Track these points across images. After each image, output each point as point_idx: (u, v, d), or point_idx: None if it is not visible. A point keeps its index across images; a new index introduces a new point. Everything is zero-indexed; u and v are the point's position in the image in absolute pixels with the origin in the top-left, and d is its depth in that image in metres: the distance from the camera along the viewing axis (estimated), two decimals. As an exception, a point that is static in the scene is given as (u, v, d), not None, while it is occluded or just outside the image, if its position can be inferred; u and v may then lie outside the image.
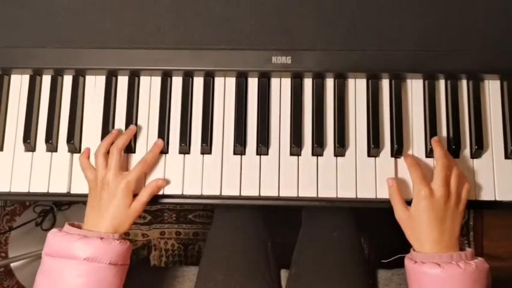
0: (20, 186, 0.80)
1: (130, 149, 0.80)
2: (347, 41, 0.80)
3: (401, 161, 0.79)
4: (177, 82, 0.83)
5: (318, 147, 0.79)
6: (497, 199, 0.78)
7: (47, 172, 0.80)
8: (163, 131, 0.80)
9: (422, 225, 0.71)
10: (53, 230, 0.72)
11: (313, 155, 0.80)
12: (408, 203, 0.74)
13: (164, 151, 0.80)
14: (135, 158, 0.80)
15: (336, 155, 0.79)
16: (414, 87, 0.82)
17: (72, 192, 0.80)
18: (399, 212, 0.73)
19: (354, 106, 0.81)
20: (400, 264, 0.75)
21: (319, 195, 0.78)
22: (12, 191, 0.80)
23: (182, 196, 0.80)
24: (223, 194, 0.79)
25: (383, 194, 0.77)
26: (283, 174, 0.79)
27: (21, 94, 0.83)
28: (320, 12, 0.81)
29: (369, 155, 0.79)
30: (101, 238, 0.70)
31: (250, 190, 0.79)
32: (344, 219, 0.97)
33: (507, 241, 1.52)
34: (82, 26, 0.82)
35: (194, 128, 0.81)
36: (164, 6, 0.82)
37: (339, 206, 0.83)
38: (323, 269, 0.89)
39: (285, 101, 0.82)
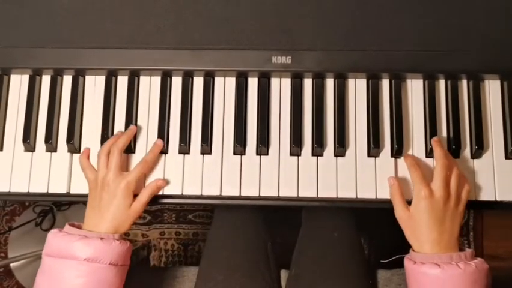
0: (19, 186, 0.80)
1: (129, 149, 0.80)
2: (347, 41, 0.80)
3: (401, 161, 0.79)
4: (177, 82, 0.83)
5: (318, 147, 0.79)
6: (498, 199, 0.78)
7: (47, 172, 0.80)
8: (162, 131, 0.80)
9: (421, 225, 0.71)
10: (53, 231, 0.72)
11: (313, 155, 0.80)
12: (408, 203, 0.74)
13: (164, 151, 0.80)
14: (135, 158, 0.80)
15: (336, 155, 0.79)
16: (415, 87, 0.82)
17: (71, 192, 0.80)
18: (400, 212, 0.73)
19: (354, 106, 0.81)
20: (400, 264, 0.75)
21: (319, 196, 0.78)
22: (11, 191, 0.80)
23: (182, 196, 0.80)
24: (223, 194, 0.79)
25: (383, 194, 0.77)
26: (283, 174, 0.79)
27: (21, 94, 0.83)
28: (320, 12, 0.81)
29: (369, 155, 0.79)
30: (102, 238, 0.70)
31: (250, 190, 0.78)
32: (344, 220, 0.97)
33: (507, 241, 1.52)
34: (81, 26, 0.82)
35: (194, 128, 0.81)
36: (164, 6, 0.82)
37: (339, 206, 0.83)
38: (323, 269, 0.89)
39: (285, 101, 0.82)
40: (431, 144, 0.77)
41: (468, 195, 0.74)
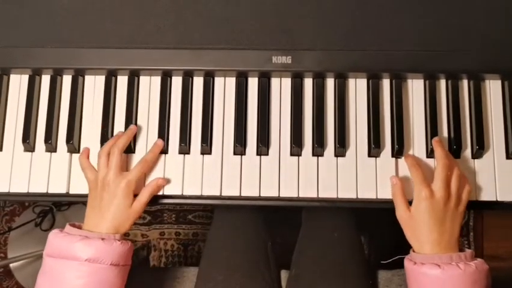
0: (19, 187, 0.80)
1: (129, 149, 0.80)
2: (347, 40, 0.80)
3: (402, 161, 0.78)
4: (177, 82, 0.82)
5: (318, 148, 0.78)
6: (499, 199, 0.78)
7: (46, 172, 0.80)
8: (162, 131, 0.80)
9: (421, 226, 0.71)
10: (54, 231, 0.72)
11: (313, 155, 0.79)
12: (409, 203, 0.74)
13: (164, 151, 0.80)
14: (135, 158, 0.79)
15: (336, 155, 0.79)
16: (415, 87, 0.82)
17: (71, 192, 0.79)
18: (401, 212, 0.73)
19: (355, 106, 0.81)
20: (400, 265, 0.75)
21: (319, 196, 0.78)
22: (11, 191, 0.80)
23: (182, 196, 0.79)
24: (223, 194, 0.79)
25: (383, 194, 0.77)
26: (283, 175, 0.79)
27: (20, 94, 0.82)
28: (320, 12, 0.81)
29: (369, 155, 0.79)
30: (103, 239, 0.69)
31: (250, 190, 0.78)
32: (344, 220, 0.97)
33: (507, 241, 1.52)
34: (81, 25, 0.81)
35: (194, 128, 0.81)
36: (164, 6, 0.82)
37: (340, 207, 0.83)
38: (323, 269, 0.89)
39: (285, 101, 0.82)
40: (431, 144, 0.77)
41: (469, 195, 0.74)
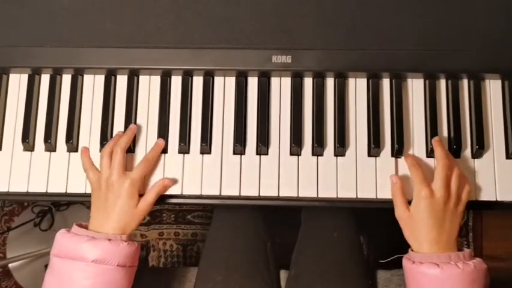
0: (18, 186, 0.79)
1: (129, 148, 0.79)
2: (347, 40, 0.80)
3: (402, 161, 0.78)
4: (177, 81, 0.82)
5: (318, 147, 0.78)
6: (498, 199, 0.78)
7: (46, 172, 0.80)
8: (162, 131, 0.80)
9: (421, 225, 0.71)
10: (62, 231, 0.71)
11: (313, 154, 0.79)
12: (408, 202, 0.73)
13: (164, 150, 0.80)
14: (135, 158, 0.79)
15: (336, 154, 0.79)
16: (415, 87, 0.82)
17: (70, 192, 0.79)
18: (400, 211, 0.73)
19: (355, 106, 0.81)
20: (399, 264, 0.75)
21: (319, 195, 0.78)
22: (10, 190, 0.79)
23: (181, 196, 0.79)
24: (222, 194, 0.79)
25: (383, 194, 0.77)
26: (283, 174, 0.78)
27: (19, 93, 0.82)
28: (320, 11, 0.81)
29: (369, 155, 0.79)
30: (109, 240, 0.69)
31: (250, 190, 0.78)
32: (343, 219, 0.97)
33: (506, 242, 1.52)
34: (81, 25, 0.81)
35: (193, 127, 0.81)
36: (164, 6, 0.82)
37: (339, 206, 0.83)
38: (322, 269, 0.89)
39: (285, 101, 0.81)
40: (431, 144, 0.77)
41: (468, 195, 0.74)
